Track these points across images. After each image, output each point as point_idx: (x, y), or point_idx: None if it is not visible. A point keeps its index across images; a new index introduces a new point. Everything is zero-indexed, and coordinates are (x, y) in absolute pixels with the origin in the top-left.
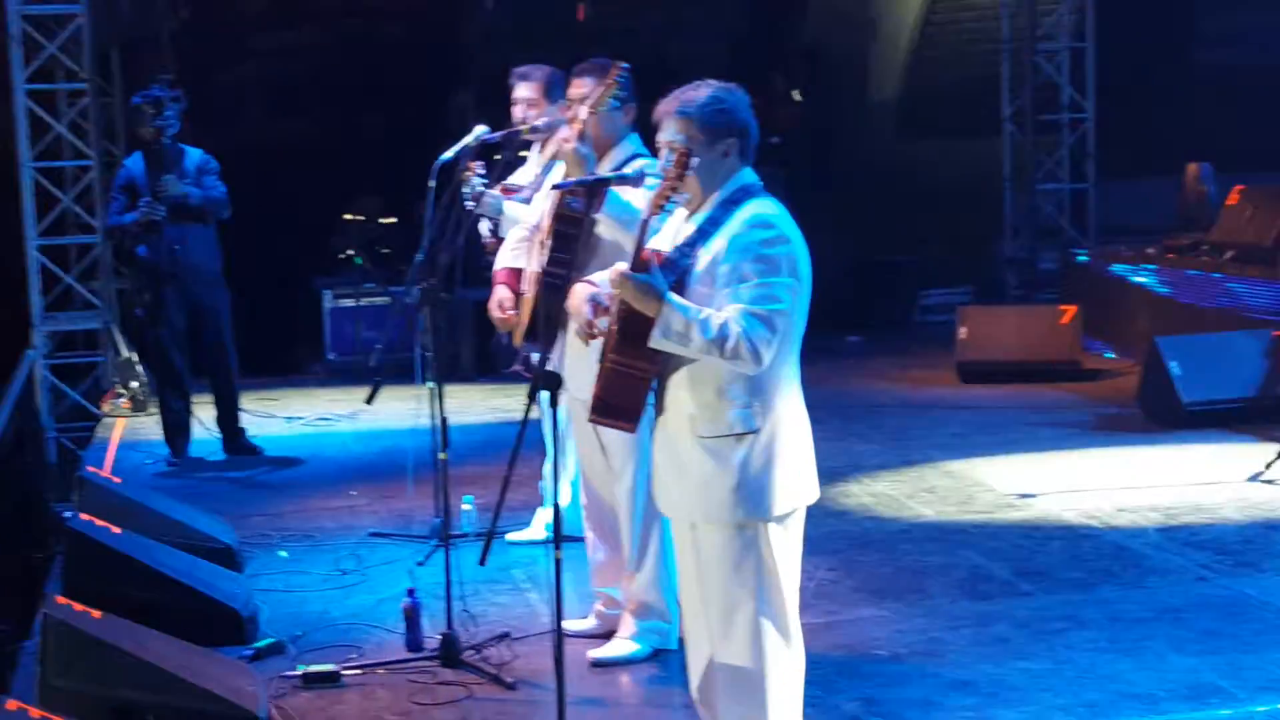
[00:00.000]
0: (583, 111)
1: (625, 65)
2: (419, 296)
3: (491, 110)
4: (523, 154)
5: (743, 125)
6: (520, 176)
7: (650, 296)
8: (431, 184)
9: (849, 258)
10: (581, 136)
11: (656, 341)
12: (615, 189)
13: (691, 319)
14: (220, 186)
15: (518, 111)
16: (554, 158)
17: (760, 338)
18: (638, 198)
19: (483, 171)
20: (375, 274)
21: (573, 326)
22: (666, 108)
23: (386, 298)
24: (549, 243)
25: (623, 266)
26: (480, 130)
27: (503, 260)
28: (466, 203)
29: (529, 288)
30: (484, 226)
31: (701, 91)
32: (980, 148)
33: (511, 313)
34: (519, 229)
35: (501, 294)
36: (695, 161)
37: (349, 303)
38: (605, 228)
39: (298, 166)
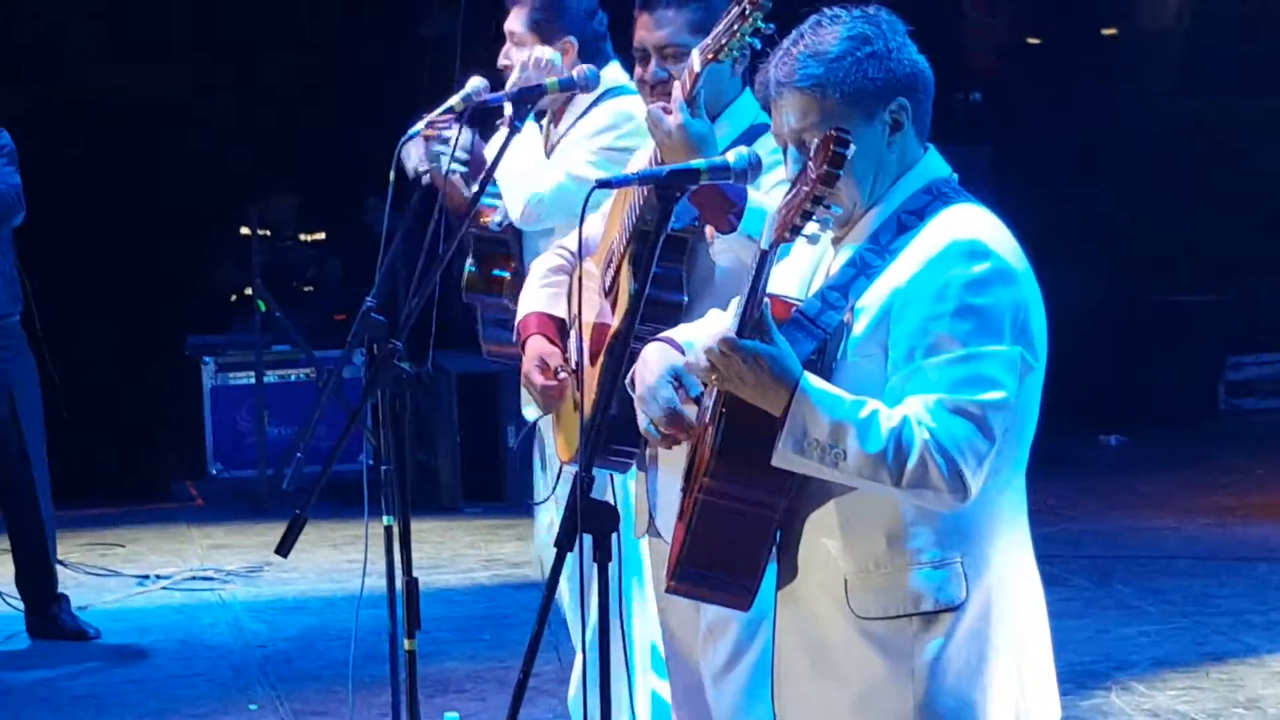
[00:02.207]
0: (696, 61)
1: None
2: (368, 368)
3: (489, 51)
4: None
5: (909, 75)
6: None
7: (770, 381)
8: (391, 177)
9: (1104, 300)
10: (693, 102)
11: (785, 458)
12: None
13: (845, 420)
14: (12, 176)
15: (503, 55)
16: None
17: (965, 450)
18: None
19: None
20: (290, 329)
21: (642, 419)
22: (778, 74)
23: (309, 370)
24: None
25: (722, 327)
26: (474, 86)
27: (531, 301)
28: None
29: (588, 347)
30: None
31: (828, 34)
32: None
33: (564, 377)
34: (550, 253)
35: (541, 347)
36: (852, 150)
37: (245, 378)
38: (725, 253)
39: (158, 145)
